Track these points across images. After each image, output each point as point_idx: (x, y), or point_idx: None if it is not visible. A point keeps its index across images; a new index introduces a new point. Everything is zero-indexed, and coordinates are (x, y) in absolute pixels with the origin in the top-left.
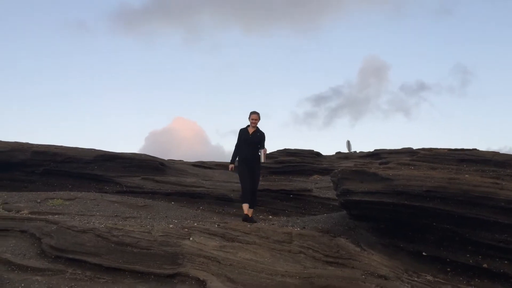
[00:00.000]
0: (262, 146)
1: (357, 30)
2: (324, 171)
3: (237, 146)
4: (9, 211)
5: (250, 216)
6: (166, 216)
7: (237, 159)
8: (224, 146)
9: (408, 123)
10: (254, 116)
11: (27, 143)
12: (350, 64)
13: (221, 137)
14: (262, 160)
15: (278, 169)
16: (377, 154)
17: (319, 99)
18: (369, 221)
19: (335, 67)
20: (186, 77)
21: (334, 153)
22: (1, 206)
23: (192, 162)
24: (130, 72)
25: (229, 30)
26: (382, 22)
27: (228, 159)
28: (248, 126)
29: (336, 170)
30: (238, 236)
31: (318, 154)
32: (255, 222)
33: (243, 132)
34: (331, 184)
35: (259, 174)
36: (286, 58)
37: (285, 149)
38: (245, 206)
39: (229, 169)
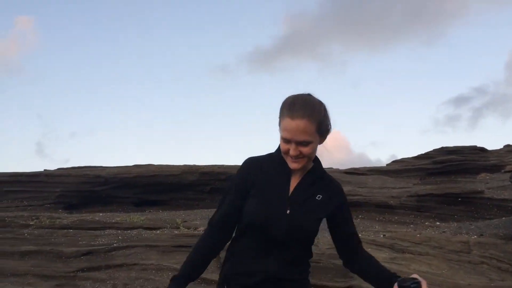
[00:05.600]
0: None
1: (489, 29)
2: (493, 168)
3: (213, 232)
4: (188, 228)
5: None
6: None
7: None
8: (368, 154)
9: None
10: (298, 123)
11: (194, 165)
12: (492, 62)
13: (362, 147)
14: None
15: (438, 169)
16: None
17: (459, 101)
18: None
19: (473, 67)
20: (322, 94)
21: (502, 147)
22: (182, 224)
23: (344, 169)
24: (268, 100)
25: (357, 54)
26: None
27: (374, 164)
28: (272, 157)
29: None
30: (408, 247)
31: (482, 149)
32: None
33: (254, 184)
34: (506, 183)
35: None
36: (415, 68)
37: (442, 147)
38: None
39: None
